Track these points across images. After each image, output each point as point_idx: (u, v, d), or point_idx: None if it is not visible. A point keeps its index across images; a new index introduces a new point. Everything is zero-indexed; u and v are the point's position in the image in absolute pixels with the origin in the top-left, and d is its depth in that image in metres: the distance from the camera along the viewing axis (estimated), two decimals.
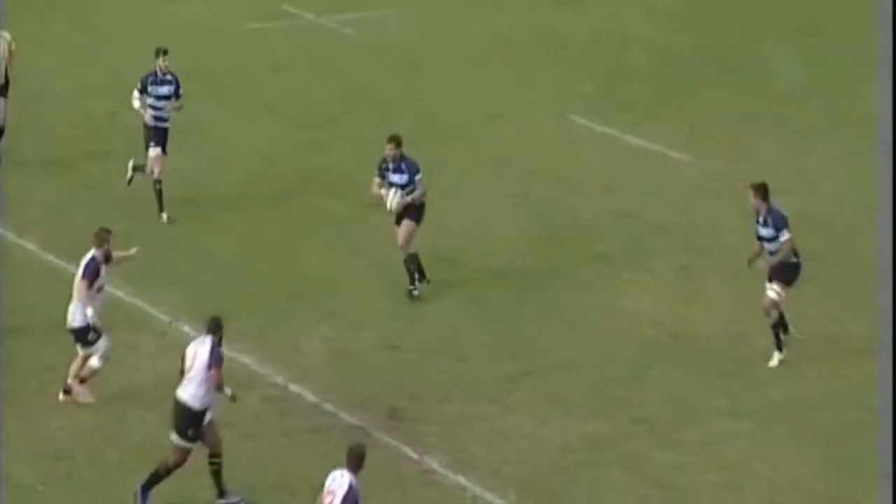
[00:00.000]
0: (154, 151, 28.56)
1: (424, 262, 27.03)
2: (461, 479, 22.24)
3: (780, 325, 24.24)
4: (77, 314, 23.29)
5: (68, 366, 23.70)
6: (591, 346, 25.53)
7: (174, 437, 20.88)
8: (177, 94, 29.09)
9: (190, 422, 20.81)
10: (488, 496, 21.69)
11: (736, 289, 27.08)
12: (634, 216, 29.89)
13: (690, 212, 30.04)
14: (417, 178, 25.88)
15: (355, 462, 18.85)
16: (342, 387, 24.32)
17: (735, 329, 26.10)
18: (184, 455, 20.85)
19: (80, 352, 23.36)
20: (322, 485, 21.07)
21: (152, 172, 28.64)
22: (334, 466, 21.83)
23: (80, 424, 23.41)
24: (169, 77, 29.05)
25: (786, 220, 24.04)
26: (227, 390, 21.01)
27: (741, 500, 21.99)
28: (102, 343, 23.23)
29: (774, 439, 23.21)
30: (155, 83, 28.93)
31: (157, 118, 28.89)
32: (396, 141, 26.01)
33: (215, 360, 20.74)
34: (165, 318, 24.91)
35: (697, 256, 28.40)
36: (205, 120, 33.09)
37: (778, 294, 23.97)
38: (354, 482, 18.67)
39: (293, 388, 24.35)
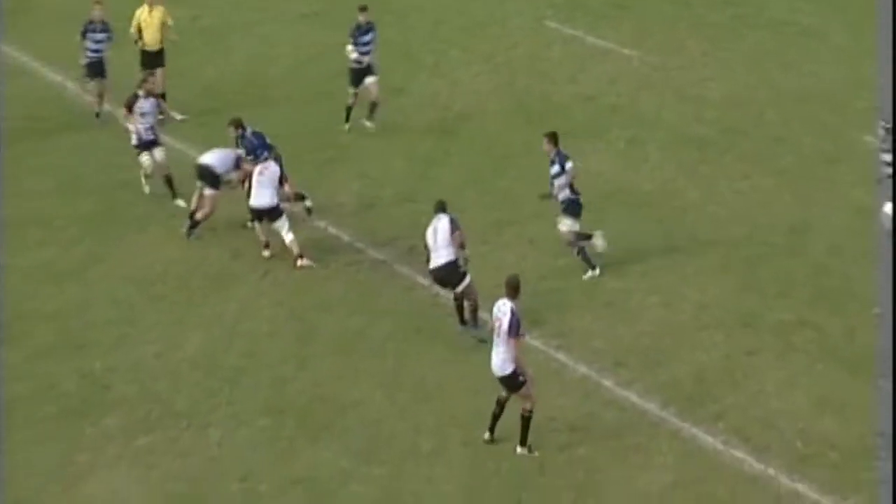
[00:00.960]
0: None
1: (432, 136, 26.85)
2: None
3: (583, 251, 23.05)
4: (267, 196, 23.17)
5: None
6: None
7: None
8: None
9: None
10: (481, 313, 21.80)
11: (672, 155, 27.46)
12: (593, 99, 29.99)
13: (637, 96, 30.10)
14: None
15: (513, 290, 18.41)
16: (370, 230, 24.72)
17: (670, 186, 26.38)
18: None
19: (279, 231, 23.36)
20: (354, 302, 21.72)
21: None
22: (363, 289, 22.48)
23: (171, 258, 23.86)
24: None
25: (568, 158, 23.04)
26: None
27: (674, 316, 22.21)
28: (282, 220, 23.30)
29: (701, 269, 23.51)
30: None
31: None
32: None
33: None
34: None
35: (642, 130, 28.54)
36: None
37: (570, 227, 22.91)
38: (514, 307, 18.31)
39: (332, 230, 24.77)
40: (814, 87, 30.09)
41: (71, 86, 30.06)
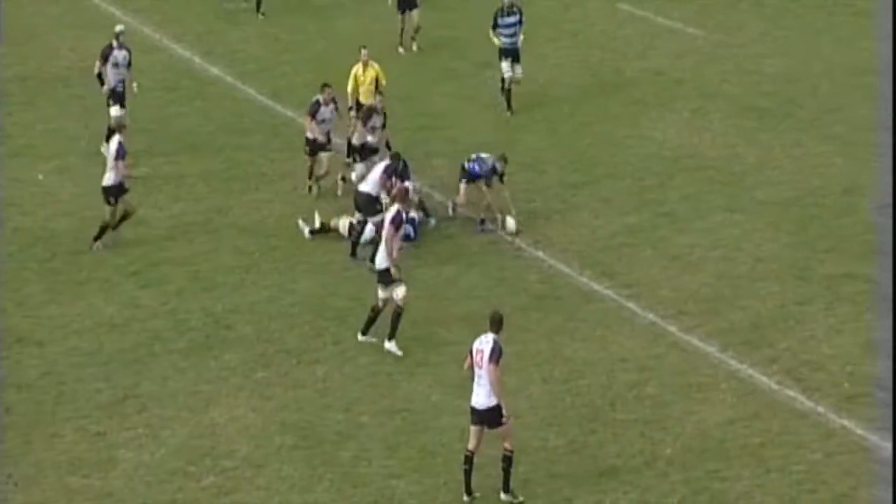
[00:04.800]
0: None
1: (520, 105, 26.63)
2: (540, 254, 22.62)
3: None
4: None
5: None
6: (631, 163, 25.62)
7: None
8: None
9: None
10: (559, 266, 21.98)
11: (732, 124, 27.25)
12: (662, 73, 29.71)
13: (701, 71, 29.78)
14: None
15: (497, 325, 16.77)
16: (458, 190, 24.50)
17: (732, 151, 26.14)
18: None
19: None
20: (446, 254, 21.70)
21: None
22: (454, 243, 22.51)
23: (284, 213, 23.98)
24: None
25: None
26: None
27: (733, 268, 22.10)
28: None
29: (757, 226, 23.35)
30: None
31: None
32: None
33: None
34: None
35: (706, 101, 28.26)
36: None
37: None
38: (497, 340, 16.72)
39: (426, 190, 24.75)
40: (865, 62, 29.60)
41: (198, 60, 30.26)
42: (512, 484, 16.94)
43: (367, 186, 22.50)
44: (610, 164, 24.66)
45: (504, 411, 16.72)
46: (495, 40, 26.51)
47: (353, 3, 33.48)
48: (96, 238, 22.71)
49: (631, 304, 21.11)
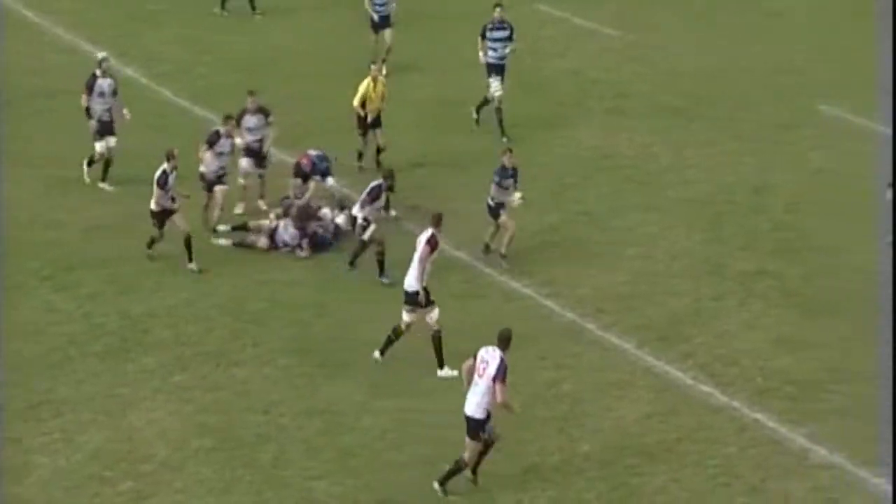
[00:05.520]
0: None
1: (443, 106, 26.52)
2: (461, 254, 22.39)
3: None
4: None
5: None
6: (550, 162, 25.53)
7: None
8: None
9: None
10: (480, 266, 21.94)
11: (648, 123, 27.30)
12: (580, 73, 29.71)
13: (618, 70, 29.85)
14: None
15: (505, 342, 16.61)
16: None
17: (648, 150, 26.22)
18: None
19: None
20: (368, 254, 21.53)
21: None
22: None
23: (200, 216, 23.49)
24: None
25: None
26: None
27: (650, 266, 22.17)
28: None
29: (672, 224, 23.42)
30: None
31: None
32: None
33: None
34: None
35: (623, 101, 28.31)
36: None
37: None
38: (504, 357, 16.52)
39: (346, 190, 24.33)
40: (777, 62, 29.84)
41: (113, 61, 29.78)
42: (448, 484, 16.97)
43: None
44: (530, 163, 24.43)
45: (486, 428, 16.63)
46: (481, 54, 25.74)
47: (272, 6, 33.13)
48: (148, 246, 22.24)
49: (549, 303, 21.09)
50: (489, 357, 16.51)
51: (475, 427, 16.69)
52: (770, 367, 19.44)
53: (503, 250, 21.94)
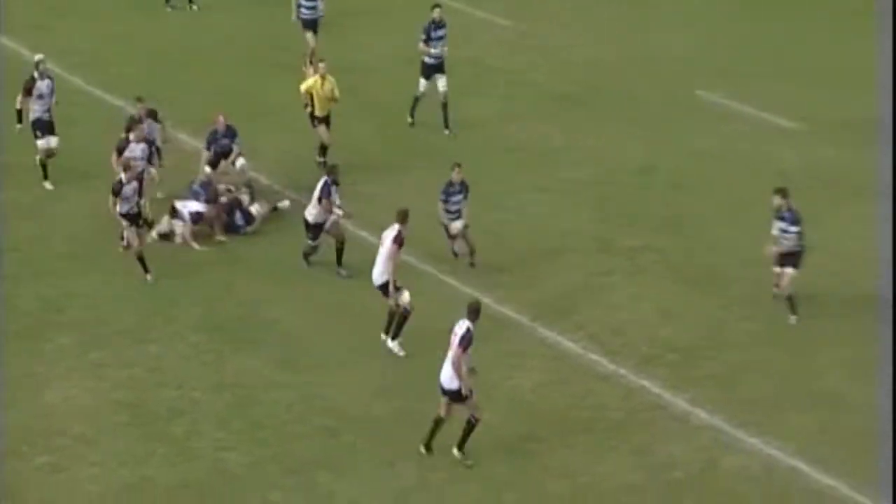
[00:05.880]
0: None
1: (344, 93, 26.36)
2: (364, 234, 22.10)
3: None
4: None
5: None
6: (449, 147, 25.31)
7: None
8: None
9: None
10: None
11: (540, 108, 27.36)
12: (478, 62, 29.59)
13: (512, 59, 29.89)
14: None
15: (474, 314, 16.69)
16: (289, 177, 24.12)
17: (540, 134, 26.29)
18: None
19: None
20: (273, 235, 21.36)
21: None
22: (280, 223, 22.15)
23: None
24: None
25: None
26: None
27: (543, 242, 22.31)
28: None
29: (563, 204, 23.56)
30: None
31: None
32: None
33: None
34: None
35: (517, 88, 28.33)
36: None
37: None
38: (471, 327, 16.60)
39: (255, 174, 24.24)
40: (663, 51, 30.10)
41: (26, 52, 29.25)
42: (468, 446, 16.92)
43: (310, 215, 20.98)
44: (431, 148, 24.60)
45: (463, 391, 16.60)
46: (425, 57, 25.27)
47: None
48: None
49: (450, 280, 21.14)
50: (457, 328, 16.60)
51: (455, 396, 16.71)
52: (654, 337, 19.67)
53: (470, 259, 21.39)
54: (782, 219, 18.85)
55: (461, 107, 26.85)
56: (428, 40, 25.28)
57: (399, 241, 18.92)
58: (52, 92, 23.38)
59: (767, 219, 21.72)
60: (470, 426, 16.86)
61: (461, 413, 16.99)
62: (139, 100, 22.90)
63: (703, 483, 16.82)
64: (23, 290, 20.82)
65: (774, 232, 19.24)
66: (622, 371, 18.90)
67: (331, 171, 21.38)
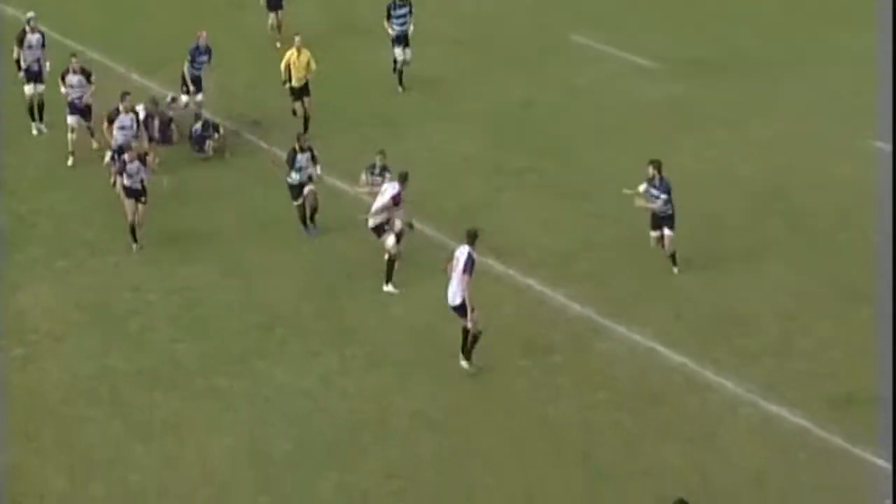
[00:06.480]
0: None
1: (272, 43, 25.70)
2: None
3: None
4: None
5: None
6: (362, 81, 24.72)
7: None
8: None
9: None
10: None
11: (441, 52, 26.56)
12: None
13: (420, 9, 28.44)
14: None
15: (472, 239, 16.11)
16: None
17: (442, 73, 25.41)
18: None
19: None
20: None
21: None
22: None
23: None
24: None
25: None
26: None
27: (444, 165, 21.68)
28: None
29: (462, 132, 22.96)
30: None
31: None
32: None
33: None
34: None
35: (424, 35, 26.73)
36: None
37: None
38: (472, 251, 16.02)
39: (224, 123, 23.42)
40: (541, 1, 29.43)
41: None
42: (473, 357, 16.31)
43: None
44: (348, 86, 23.89)
45: (468, 307, 15.99)
46: (389, 30, 24.34)
47: None
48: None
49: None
50: (459, 254, 16.03)
51: (460, 311, 16.12)
52: (537, 243, 19.42)
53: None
54: (654, 186, 18.18)
55: (375, 50, 26.09)
56: (389, 18, 24.40)
57: (396, 199, 17.63)
58: (41, 45, 22.39)
59: (629, 144, 21.60)
60: (473, 338, 16.20)
61: (470, 323, 16.18)
62: (73, 55, 21.74)
63: (578, 364, 16.76)
64: None
65: (641, 188, 18.41)
66: (511, 272, 18.62)
67: (300, 136, 19.42)
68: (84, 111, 21.66)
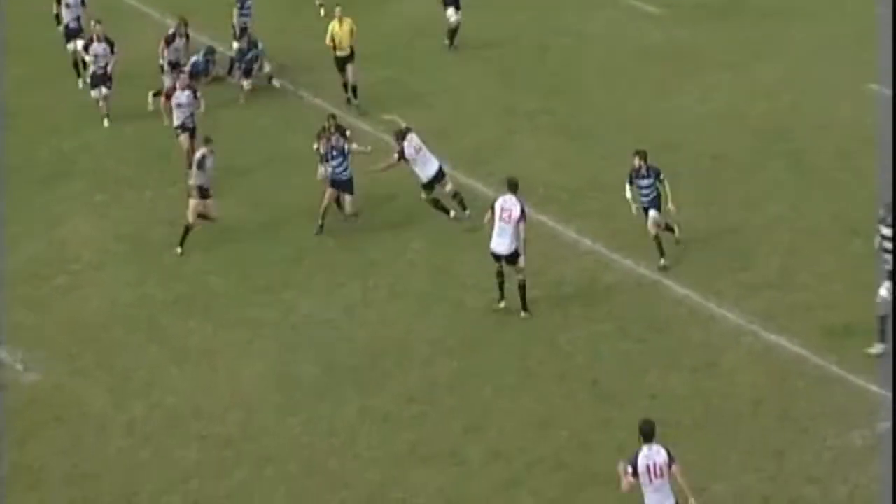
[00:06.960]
0: None
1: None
2: (318, 101, 21.15)
3: None
4: None
5: None
6: (384, 30, 23.94)
7: None
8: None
9: None
10: (327, 106, 20.53)
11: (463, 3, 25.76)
12: None
13: None
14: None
15: (514, 187, 15.40)
16: None
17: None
18: None
19: None
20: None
21: None
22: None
23: (125, 73, 21.66)
24: None
25: None
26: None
27: (461, 106, 21.17)
28: None
29: (478, 75, 22.36)
30: None
31: None
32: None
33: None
34: None
35: None
36: None
37: None
38: (521, 200, 15.37)
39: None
40: None
41: None
42: (528, 304, 15.70)
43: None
44: (370, 29, 22.98)
45: (520, 252, 15.39)
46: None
47: None
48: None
49: (384, 136, 19.94)
50: (509, 205, 15.22)
51: (512, 258, 15.47)
52: (549, 181, 18.94)
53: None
54: (643, 176, 16.95)
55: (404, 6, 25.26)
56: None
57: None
58: (79, 3, 21.64)
59: (638, 87, 21.00)
60: (523, 287, 15.60)
61: (516, 274, 15.51)
62: (98, 21, 20.77)
63: (587, 295, 16.36)
64: (41, 144, 19.92)
65: (628, 194, 16.48)
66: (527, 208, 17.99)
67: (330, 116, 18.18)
68: (107, 80, 20.67)
